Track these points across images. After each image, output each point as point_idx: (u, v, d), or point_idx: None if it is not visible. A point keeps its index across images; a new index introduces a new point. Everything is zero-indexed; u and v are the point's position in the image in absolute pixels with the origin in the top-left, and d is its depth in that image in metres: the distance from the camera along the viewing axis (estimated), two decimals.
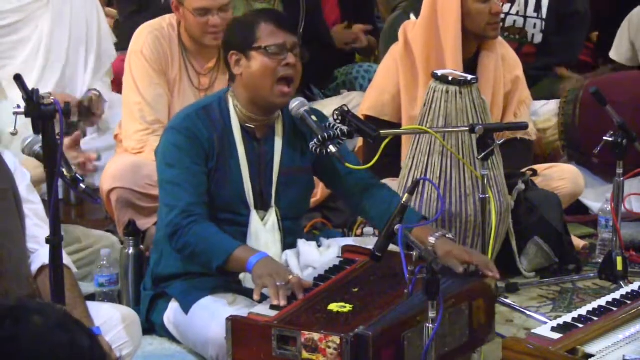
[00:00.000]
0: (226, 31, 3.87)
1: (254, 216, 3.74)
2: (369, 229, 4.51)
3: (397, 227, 3.13)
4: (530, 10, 5.80)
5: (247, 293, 3.59)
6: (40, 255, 3.08)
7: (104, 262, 4.02)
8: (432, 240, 3.55)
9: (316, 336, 3.03)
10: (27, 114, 2.83)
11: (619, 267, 4.30)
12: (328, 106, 4.83)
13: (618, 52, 5.77)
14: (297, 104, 3.65)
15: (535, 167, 4.82)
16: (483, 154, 3.80)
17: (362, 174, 3.81)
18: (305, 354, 3.04)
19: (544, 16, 5.79)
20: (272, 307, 3.26)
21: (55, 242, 2.84)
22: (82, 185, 2.95)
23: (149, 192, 4.43)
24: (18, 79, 2.86)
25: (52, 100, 2.83)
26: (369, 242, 3.71)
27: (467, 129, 3.89)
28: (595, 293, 4.36)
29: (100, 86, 5.14)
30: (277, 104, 3.68)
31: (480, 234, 3.94)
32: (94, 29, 5.18)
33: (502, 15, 4.81)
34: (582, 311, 3.35)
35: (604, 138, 4.23)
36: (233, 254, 3.48)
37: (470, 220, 4.10)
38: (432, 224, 3.78)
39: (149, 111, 4.60)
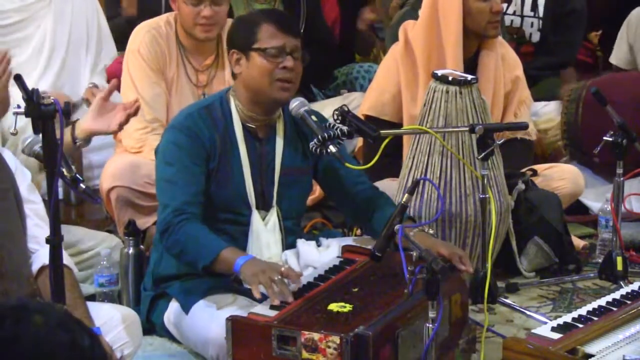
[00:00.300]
0: (230, 29, 3.87)
1: (255, 216, 3.74)
2: None
3: (397, 227, 3.13)
4: (527, 10, 5.81)
5: (247, 293, 3.59)
6: (40, 256, 3.08)
7: (104, 262, 4.02)
8: (410, 235, 3.54)
9: (316, 336, 3.03)
10: (27, 114, 2.83)
11: (619, 267, 4.30)
12: (328, 106, 4.83)
13: (617, 55, 5.77)
14: (297, 104, 3.66)
15: (535, 167, 4.82)
16: (483, 154, 3.80)
17: (365, 185, 3.81)
18: (305, 354, 3.04)
19: (541, 15, 5.79)
20: (272, 307, 3.27)
21: (55, 242, 2.84)
22: (82, 185, 2.95)
23: (149, 191, 4.43)
24: (18, 79, 2.86)
25: (52, 100, 2.83)
26: (369, 242, 3.71)
27: (467, 129, 3.89)
28: (595, 293, 4.36)
29: (98, 80, 5.16)
30: (277, 100, 3.68)
31: (480, 234, 3.94)
32: (94, 29, 5.19)
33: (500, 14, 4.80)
34: (582, 311, 3.35)
35: (604, 138, 4.23)
36: (220, 254, 3.47)
37: (470, 220, 4.10)
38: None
39: (148, 110, 4.60)
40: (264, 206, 3.77)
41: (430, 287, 2.87)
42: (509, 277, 4.50)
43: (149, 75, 4.63)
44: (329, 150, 3.50)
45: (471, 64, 4.67)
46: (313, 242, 3.83)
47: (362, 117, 4.18)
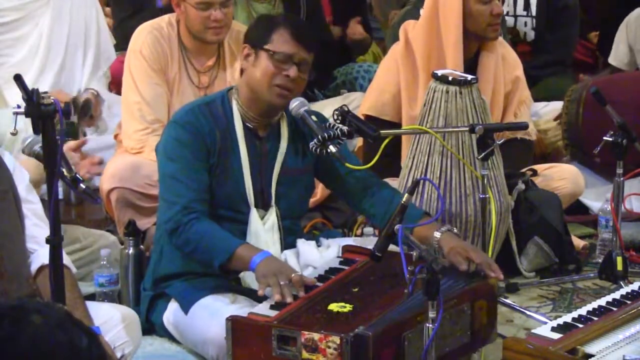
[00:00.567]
0: (252, 23, 3.90)
1: (254, 215, 3.74)
2: (369, 229, 4.51)
3: (397, 227, 3.13)
4: (520, 9, 5.82)
5: (247, 293, 3.60)
6: (39, 256, 3.08)
7: (104, 262, 4.02)
8: (437, 235, 3.55)
9: (316, 336, 3.03)
10: (27, 113, 2.83)
11: (619, 267, 4.30)
12: (328, 106, 4.83)
13: (616, 56, 5.77)
14: (297, 104, 3.65)
15: (535, 167, 4.82)
16: (483, 154, 3.80)
17: (362, 173, 3.81)
18: (305, 354, 3.04)
19: (534, 13, 5.81)
20: (272, 307, 3.27)
21: (55, 242, 2.84)
22: (82, 185, 2.95)
23: (149, 192, 4.43)
24: (18, 79, 2.86)
25: (52, 100, 2.83)
26: (369, 242, 3.71)
27: (467, 129, 3.89)
28: (595, 293, 4.36)
29: (97, 86, 5.15)
30: (272, 104, 3.68)
31: (480, 234, 3.94)
32: (92, 29, 5.19)
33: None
34: (582, 311, 3.35)
35: (604, 138, 4.23)
36: (236, 252, 3.48)
37: (470, 220, 4.10)
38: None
39: (149, 111, 4.60)
40: (263, 205, 3.77)
41: (430, 287, 2.87)
42: (509, 277, 4.49)
43: (150, 75, 4.63)
44: (329, 150, 3.50)
45: (471, 64, 4.67)
46: (313, 242, 3.83)
47: (362, 117, 4.18)
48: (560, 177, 4.83)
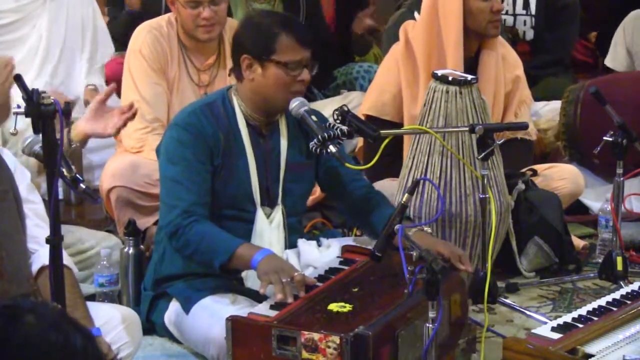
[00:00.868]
0: (242, 32, 3.76)
1: (260, 213, 3.73)
2: None
3: (397, 227, 3.12)
4: (519, 8, 5.82)
5: (248, 293, 3.60)
6: (40, 256, 3.08)
7: (104, 262, 4.02)
8: (409, 234, 3.54)
9: (316, 336, 3.03)
10: (27, 113, 2.83)
11: (619, 267, 4.30)
12: (328, 106, 4.83)
13: (614, 59, 5.76)
14: (297, 104, 3.65)
15: (535, 167, 4.82)
16: (483, 154, 3.79)
17: (363, 183, 3.82)
18: (305, 354, 3.04)
19: (533, 12, 5.81)
20: (272, 307, 3.27)
21: (55, 242, 2.84)
22: (82, 185, 2.95)
23: (149, 191, 4.43)
24: (18, 79, 2.86)
25: (52, 100, 2.83)
26: (369, 242, 3.71)
27: (467, 129, 3.88)
28: (595, 293, 4.36)
29: (96, 80, 5.16)
30: (282, 109, 3.69)
31: (480, 234, 3.94)
32: (89, 29, 5.19)
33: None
34: (582, 311, 3.35)
35: (604, 138, 4.23)
36: (236, 251, 3.48)
37: (470, 220, 4.10)
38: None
39: (148, 110, 4.60)
40: (268, 203, 3.77)
41: (430, 287, 2.87)
42: (509, 277, 4.50)
43: (150, 75, 4.63)
44: (329, 150, 3.50)
45: (472, 63, 4.66)
46: (313, 242, 3.83)
47: (362, 117, 4.18)
48: (560, 177, 4.83)
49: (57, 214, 2.86)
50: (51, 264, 2.84)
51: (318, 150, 3.50)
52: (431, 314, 2.90)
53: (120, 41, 5.40)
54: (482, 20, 4.62)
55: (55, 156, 2.81)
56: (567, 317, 3.31)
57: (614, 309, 3.38)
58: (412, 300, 3.11)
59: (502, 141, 4.58)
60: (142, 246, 4.16)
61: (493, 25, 4.64)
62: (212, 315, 3.51)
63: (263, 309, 3.27)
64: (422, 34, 4.65)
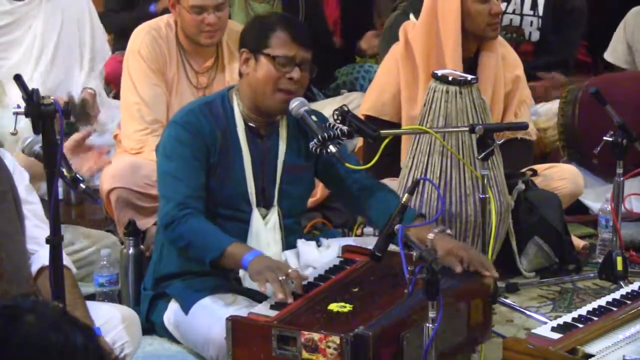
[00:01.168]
0: (245, 26, 3.87)
1: (256, 214, 3.74)
2: (369, 229, 4.51)
3: (397, 227, 3.12)
4: (527, 8, 5.81)
5: (247, 293, 3.60)
6: (40, 257, 3.08)
7: (104, 262, 4.02)
8: (430, 236, 3.54)
9: (316, 336, 3.03)
10: (27, 114, 2.83)
11: (619, 267, 4.30)
12: (328, 106, 4.83)
13: (614, 54, 5.76)
14: (297, 104, 3.65)
15: (535, 167, 4.82)
16: (483, 154, 3.79)
17: (362, 174, 3.82)
18: (305, 354, 3.04)
19: (540, 13, 5.80)
20: (272, 307, 3.27)
21: (55, 242, 2.84)
22: (82, 185, 2.95)
23: (149, 192, 4.43)
24: (18, 79, 2.86)
25: (52, 100, 2.83)
26: (369, 242, 3.71)
27: (467, 129, 3.88)
28: (595, 293, 4.36)
29: (95, 84, 5.15)
30: (275, 109, 3.69)
31: (480, 234, 3.94)
32: (86, 28, 5.18)
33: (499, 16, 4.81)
34: (582, 311, 3.35)
35: (604, 138, 4.23)
36: (227, 249, 3.47)
37: (470, 220, 4.10)
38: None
39: (148, 111, 4.60)
40: (264, 204, 3.77)
41: (430, 287, 2.87)
42: (509, 277, 4.49)
43: (149, 76, 4.63)
44: (329, 150, 3.50)
45: (471, 64, 4.66)
46: (313, 242, 3.83)
47: (362, 117, 4.18)
48: (560, 177, 4.83)
49: (57, 214, 2.86)
50: (51, 264, 2.84)
51: (318, 150, 3.50)
52: (431, 314, 2.90)
53: (122, 35, 5.39)
54: (481, 23, 4.61)
55: (55, 156, 2.81)
56: (567, 317, 3.31)
57: (614, 309, 3.38)
58: (418, 302, 3.10)
59: (502, 141, 4.57)
60: (142, 246, 4.16)
61: (492, 27, 4.64)
62: (211, 315, 3.51)
63: (263, 309, 3.27)
64: (421, 34, 4.65)
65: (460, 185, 4.11)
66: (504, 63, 4.77)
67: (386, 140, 3.78)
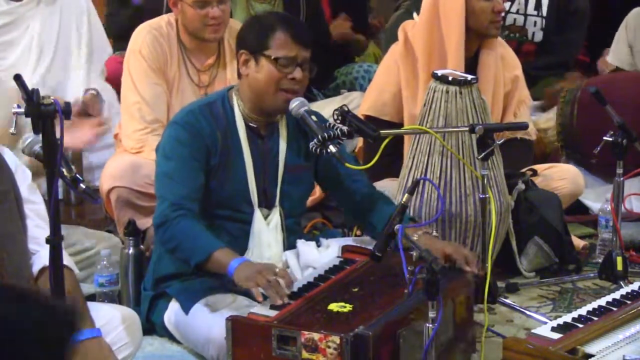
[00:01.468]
0: (242, 28, 3.85)
1: (258, 215, 3.74)
2: None
3: (397, 227, 3.13)
4: (531, 8, 5.81)
5: (247, 293, 3.59)
6: (41, 257, 3.08)
7: (104, 262, 4.02)
8: (414, 237, 3.54)
9: (316, 336, 3.03)
10: (27, 113, 2.83)
11: (619, 267, 4.30)
12: (328, 106, 4.83)
13: (616, 56, 5.76)
14: (297, 104, 3.65)
15: (535, 167, 4.82)
16: (483, 154, 3.79)
17: (362, 182, 3.82)
18: (305, 354, 3.04)
19: (544, 14, 5.80)
20: (272, 307, 3.27)
21: (55, 242, 2.84)
22: (82, 185, 2.95)
23: (149, 191, 4.43)
24: (18, 78, 2.86)
25: (52, 100, 2.83)
26: (369, 242, 3.71)
27: (467, 129, 3.89)
28: (595, 293, 4.36)
29: (97, 84, 5.15)
30: (277, 108, 3.70)
31: (480, 234, 3.94)
32: (84, 28, 5.18)
33: (502, 14, 4.82)
34: (582, 311, 3.35)
35: (604, 138, 4.23)
36: (213, 254, 3.46)
37: (470, 220, 4.10)
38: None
39: (148, 110, 4.60)
40: (266, 204, 3.77)
41: (430, 287, 2.87)
42: (509, 277, 4.49)
43: (149, 75, 4.63)
44: (329, 151, 3.50)
45: (471, 63, 4.66)
46: (313, 242, 3.83)
47: (362, 117, 4.18)
48: (560, 177, 4.83)
49: (57, 214, 2.86)
50: (51, 264, 2.84)
51: (318, 150, 3.50)
52: (431, 314, 2.90)
53: (122, 37, 5.40)
54: (484, 20, 4.62)
55: (55, 156, 2.81)
56: (567, 317, 3.31)
57: (614, 309, 3.38)
58: (414, 300, 3.11)
59: (502, 141, 4.58)
60: (142, 246, 4.16)
61: (494, 25, 4.65)
62: (212, 315, 3.51)
63: (263, 309, 3.27)
64: (422, 33, 4.65)
65: (460, 185, 4.12)
66: (503, 63, 4.77)
67: (386, 140, 3.78)
